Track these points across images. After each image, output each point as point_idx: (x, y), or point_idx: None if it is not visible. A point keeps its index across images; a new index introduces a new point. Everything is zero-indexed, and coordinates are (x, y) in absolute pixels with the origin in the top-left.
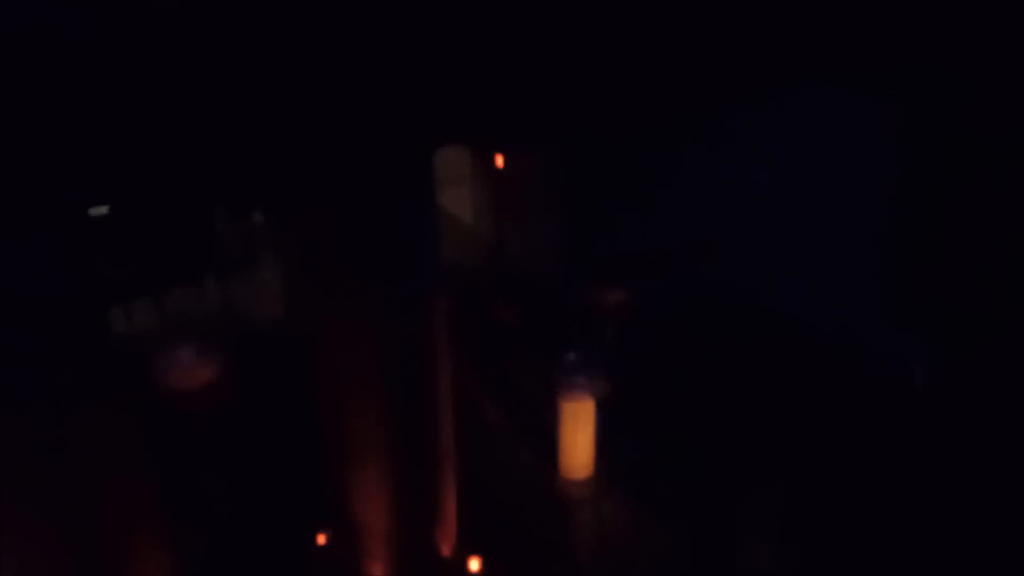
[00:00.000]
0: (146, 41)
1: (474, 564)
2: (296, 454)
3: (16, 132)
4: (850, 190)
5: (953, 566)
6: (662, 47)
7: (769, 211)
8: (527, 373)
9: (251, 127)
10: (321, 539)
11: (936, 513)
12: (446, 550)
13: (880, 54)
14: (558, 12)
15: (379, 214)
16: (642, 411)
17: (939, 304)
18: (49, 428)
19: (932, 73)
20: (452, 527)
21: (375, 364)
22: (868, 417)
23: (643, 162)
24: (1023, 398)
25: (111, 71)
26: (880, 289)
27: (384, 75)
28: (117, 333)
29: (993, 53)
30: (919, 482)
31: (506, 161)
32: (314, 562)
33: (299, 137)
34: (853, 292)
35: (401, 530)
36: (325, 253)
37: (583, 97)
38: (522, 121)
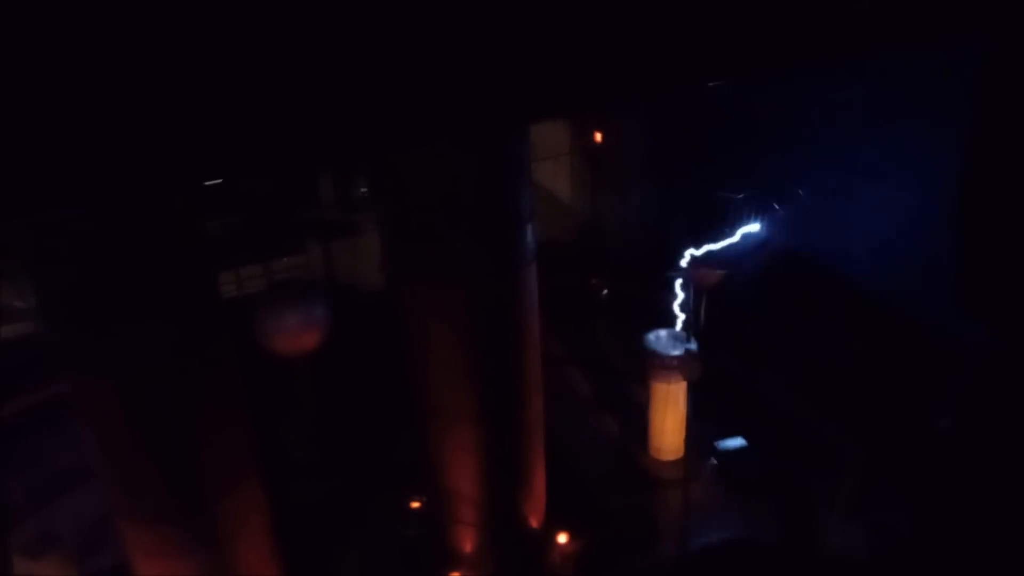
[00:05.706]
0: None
1: (561, 538)
2: (388, 419)
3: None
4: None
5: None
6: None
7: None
8: (618, 348)
9: (352, 88)
10: (414, 504)
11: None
12: (534, 521)
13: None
14: None
15: (475, 183)
16: (734, 390)
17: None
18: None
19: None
20: (540, 498)
21: (468, 333)
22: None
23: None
24: None
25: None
26: (951, 273)
27: (479, 44)
28: (226, 297)
29: None
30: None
31: (603, 138)
32: (406, 525)
33: (398, 103)
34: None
35: (490, 498)
36: (421, 221)
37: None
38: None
